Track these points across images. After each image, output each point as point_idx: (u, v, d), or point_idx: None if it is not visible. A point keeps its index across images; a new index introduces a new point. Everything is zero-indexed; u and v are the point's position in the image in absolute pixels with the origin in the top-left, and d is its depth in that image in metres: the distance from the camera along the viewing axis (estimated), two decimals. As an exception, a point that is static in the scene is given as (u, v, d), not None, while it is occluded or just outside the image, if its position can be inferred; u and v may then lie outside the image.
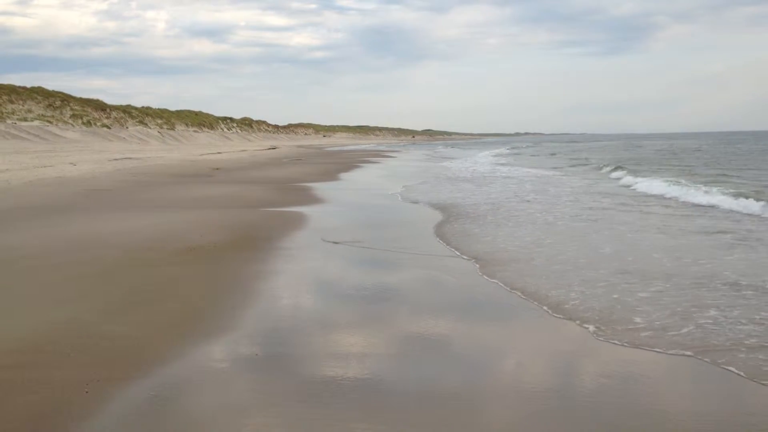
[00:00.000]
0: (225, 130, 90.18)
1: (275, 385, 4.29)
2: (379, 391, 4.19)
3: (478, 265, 7.88)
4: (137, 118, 66.44)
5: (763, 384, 4.30)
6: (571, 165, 33.22)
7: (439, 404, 3.99)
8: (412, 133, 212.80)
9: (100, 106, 62.40)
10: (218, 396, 4.10)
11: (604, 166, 28.98)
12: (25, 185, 16.32)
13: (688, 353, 4.84)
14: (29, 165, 22.07)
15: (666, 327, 5.39)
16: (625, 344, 5.06)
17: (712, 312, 5.76)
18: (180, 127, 74.50)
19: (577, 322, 5.63)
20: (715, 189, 15.91)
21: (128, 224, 10.61)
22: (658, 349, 4.93)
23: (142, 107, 73.42)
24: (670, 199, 15.40)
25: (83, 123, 55.25)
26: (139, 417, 3.79)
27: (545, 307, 6.08)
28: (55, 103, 55.75)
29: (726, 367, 4.58)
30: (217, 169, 27.23)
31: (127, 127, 61.02)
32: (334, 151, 62.24)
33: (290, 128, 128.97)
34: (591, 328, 5.44)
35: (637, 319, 5.60)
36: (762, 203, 12.73)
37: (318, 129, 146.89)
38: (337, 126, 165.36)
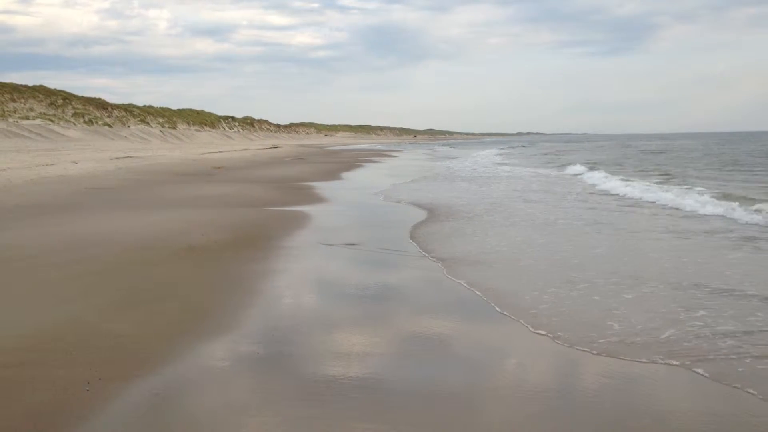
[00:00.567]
0: (227, 129, 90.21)
1: (275, 384, 4.29)
2: (379, 390, 4.19)
3: (444, 267, 7.90)
4: (139, 117, 66.47)
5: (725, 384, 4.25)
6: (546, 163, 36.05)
7: (439, 404, 4.00)
8: (414, 132, 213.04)
9: (101, 104, 62.41)
10: (219, 395, 4.10)
11: (570, 164, 30.83)
12: (26, 184, 16.33)
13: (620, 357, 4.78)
14: (31, 163, 22.07)
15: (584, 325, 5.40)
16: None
17: (623, 310, 5.78)
18: (182, 126, 74.53)
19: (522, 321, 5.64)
20: (655, 186, 17.96)
21: (129, 223, 10.62)
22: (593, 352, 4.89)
23: (144, 106, 73.48)
24: (616, 195, 16.75)
25: (85, 122, 55.25)
26: (140, 415, 3.79)
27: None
28: (57, 101, 55.75)
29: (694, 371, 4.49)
30: (219, 168, 27.23)
31: (128, 126, 61.02)
32: (336, 150, 62.25)
33: (292, 127, 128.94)
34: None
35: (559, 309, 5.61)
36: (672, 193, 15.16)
37: (320, 128, 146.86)
38: (339, 125, 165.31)
